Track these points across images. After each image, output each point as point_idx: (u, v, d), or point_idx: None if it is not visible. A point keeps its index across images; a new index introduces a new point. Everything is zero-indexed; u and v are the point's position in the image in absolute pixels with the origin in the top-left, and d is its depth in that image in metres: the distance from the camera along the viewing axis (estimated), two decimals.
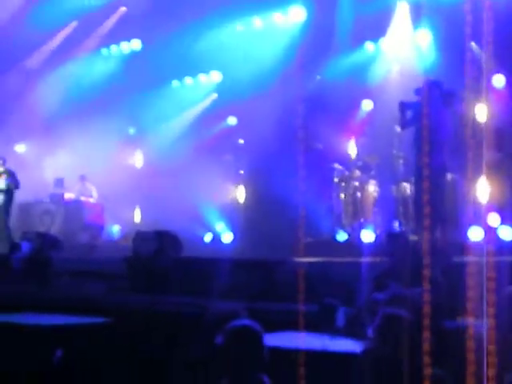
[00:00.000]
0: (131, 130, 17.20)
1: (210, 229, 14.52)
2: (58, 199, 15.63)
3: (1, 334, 6.42)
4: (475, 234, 9.37)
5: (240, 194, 14.60)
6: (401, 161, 11.49)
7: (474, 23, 5.14)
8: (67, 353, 6.03)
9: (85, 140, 15.59)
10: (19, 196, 13.86)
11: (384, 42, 13.95)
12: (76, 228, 15.22)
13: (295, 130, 11.12)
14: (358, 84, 13.48)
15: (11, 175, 13.03)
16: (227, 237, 14.19)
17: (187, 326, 6.31)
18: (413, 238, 9.65)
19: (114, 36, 17.37)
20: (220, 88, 16.28)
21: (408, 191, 11.27)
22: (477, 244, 8.49)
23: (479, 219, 9.36)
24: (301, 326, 5.42)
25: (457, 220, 10.20)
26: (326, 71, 13.90)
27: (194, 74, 16.75)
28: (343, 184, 12.23)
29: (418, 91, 10.28)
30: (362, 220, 11.95)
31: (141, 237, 10.53)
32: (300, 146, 9.73)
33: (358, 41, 13.88)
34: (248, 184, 14.34)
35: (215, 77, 16.56)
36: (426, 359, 4.28)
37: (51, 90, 16.71)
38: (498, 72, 10.73)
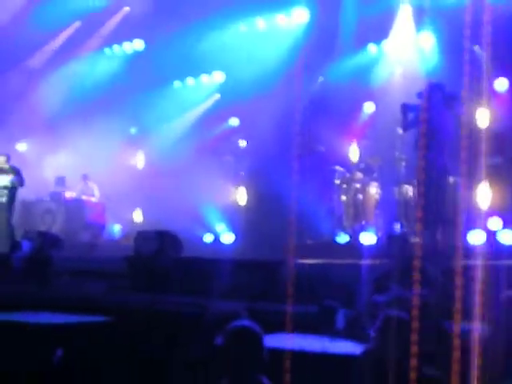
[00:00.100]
0: (133, 130, 17.21)
1: (210, 229, 14.53)
2: (58, 198, 15.64)
3: (1, 333, 6.42)
4: (476, 238, 9.38)
5: (241, 195, 14.61)
6: (403, 163, 11.48)
7: (477, 27, 5.14)
8: (67, 352, 6.04)
9: (87, 139, 15.61)
10: (21, 194, 13.86)
11: (387, 44, 13.96)
12: (77, 227, 15.23)
13: (297, 132, 11.15)
14: (361, 86, 13.48)
15: (16, 173, 12.99)
16: (228, 237, 14.20)
17: (187, 326, 6.31)
18: (414, 240, 9.65)
19: (117, 36, 17.39)
20: (222, 89, 16.29)
21: (410, 193, 11.26)
22: (477, 247, 8.50)
23: (480, 223, 9.37)
24: (300, 327, 5.42)
25: (458, 223, 10.19)
26: (329, 73, 13.92)
27: (196, 74, 16.76)
28: (344, 186, 12.23)
29: (420, 94, 10.29)
30: (363, 222, 11.95)
31: (142, 236, 10.54)
32: (302, 147, 9.74)
33: (360, 43, 13.89)
34: (249, 185, 14.35)
35: (218, 77, 16.57)
36: (424, 360, 4.29)
37: (53, 90, 16.73)
38: (501, 76, 10.73)
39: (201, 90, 16.81)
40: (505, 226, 9.90)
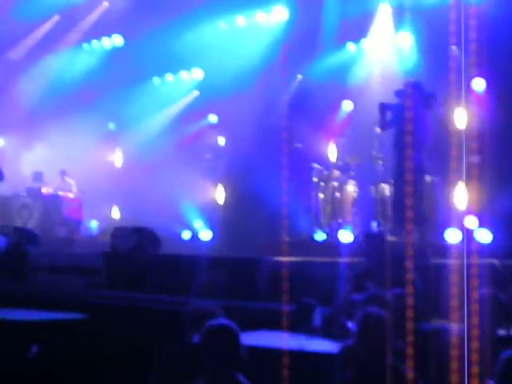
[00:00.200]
0: (111, 126, 17.13)
1: (188, 226, 14.51)
2: (35, 193, 15.54)
3: None
4: (453, 236, 9.45)
5: (219, 193, 14.60)
6: (380, 162, 11.51)
7: (455, 27, 5.18)
8: (43, 349, 6.00)
9: (65, 135, 15.52)
10: None
11: (365, 43, 13.99)
12: (54, 222, 15.16)
13: (275, 130, 11.15)
14: (339, 85, 13.51)
15: None
16: (205, 234, 14.19)
17: (164, 323, 6.31)
18: (390, 238, 9.69)
19: (96, 31, 17.29)
20: (201, 86, 16.25)
21: (387, 192, 11.31)
22: (455, 246, 8.56)
23: (457, 221, 9.43)
24: (277, 325, 5.44)
25: (435, 222, 10.26)
26: (308, 71, 13.93)
27: (175, 70, 16.71)
28: (322, 184, 12.25)
29: (398, 93, 10.34)
30: (340, 220, 11.97)
31: (119, 233, 10.52)
32: (280, 145, 9.75)
33: (340, 41, 13.91)
34: (227, 182, 14.35)
35: (197, 74, 16.53)
36: (401, 359, 4.31)
37: (32, 84, 16.63)
38: (478, 76, 10.81)
39: (180, 87, 16.76)
40: (481, 224, 9.97)
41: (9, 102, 16.44)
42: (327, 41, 13.78)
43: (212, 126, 15.91)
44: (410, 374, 4.32)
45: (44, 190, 15.57)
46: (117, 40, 17.40)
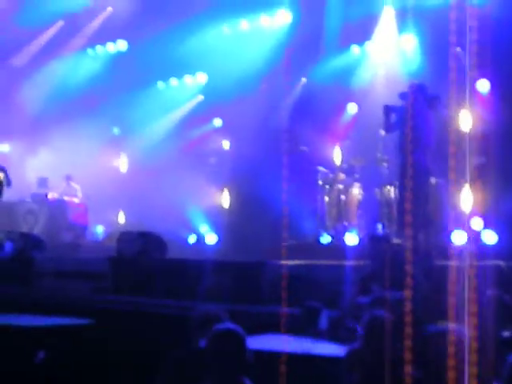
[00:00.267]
0: (116, 131, 17.16)
1: (194, 230, 14.52)
2: (40, 199, 15.57)
3: None
4: (458, 238, 9.43)
5: (224, 197, 14.60)
6: (385, 164, 11.51)
7: (459, 28, 5.17)
8: (49, 354, 6.01)
9: (69, 140, 15.55)
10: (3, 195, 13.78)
11: (369, 45, 14.00)
12: (59, 228, 15.18)
13: (280, 133, 11.16)
14: (344, 87, 13.51)
15: (4, 172, 12.89)
16: (211, 238, 14.19)
17: (170, 328, 6.31)
18: (396, 241, 9.68)
19: (100, 36, 17.33)
20: (206, 90, 16.28)
21: (392, 194, 11.30)
22: (460, 248, 8.54)
23: (462, 223, 9.42)
24: (283, 328, 5.43)
25: (440, 223, 10.25)
26: (312, 74, 13.94)
27: (179, 75, 16.74)
28: (327, 187, 12.25)
29: (402, 95, 10.33)
30: (345, 223, 11.97)
31: (125, 237, 10.52)
32: (285, 148, 9.75)
33: (343, 44, 13.92)
34: (232, 186, 14.35)
35: (201, 78, 16.56)
36: (406, 361, 4.31)
37: (36, 90, 16.66)
38: (482, 77, 10.80)
39: (184, 91, 16.79)
40: (486, 226, 9.95)
41: (13, 108, 16.48)
42: (331, 44, 13.78)
43: (216, 130, 15.93)
44: (415, 377, 4.32)
45: (49, 196, 15.60)
46: (121, 45, 17.44)
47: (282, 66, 11.16)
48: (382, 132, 11.17)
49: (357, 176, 12.15)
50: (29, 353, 6.07)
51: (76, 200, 15.68)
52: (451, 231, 9.64)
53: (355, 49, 14.20)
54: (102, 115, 15.78)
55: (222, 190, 14.63)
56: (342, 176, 12.24)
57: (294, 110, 13.53)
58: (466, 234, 9.11)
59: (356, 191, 12.06)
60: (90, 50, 17.71)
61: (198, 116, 15.98)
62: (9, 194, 14.40)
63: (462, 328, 4.22)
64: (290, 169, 8.49)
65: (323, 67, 13.82)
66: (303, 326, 6.26)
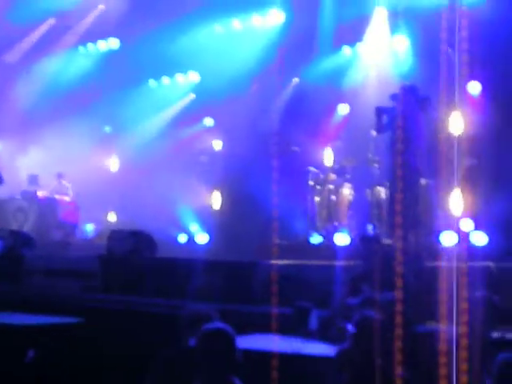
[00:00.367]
0: (107, 129, 17.12)
1: (184, 229, 14.50)
2: (30, 196, 15.53)
3: None
4: (448, 239, 9.46)
5: (215, 197, 14.59)
6: (376, 165, 11.54)
7: (451, 30, 5.19)
8: (39, 353, 6.00)
9: (60, 138, 15.51)
10: None
11: (361, 46, 14.02)
12: (50, 225, 15.14)
13: (271, 133, 11.17)
14: (335, 88, 13.53)
15: None
16: (202, 238, 14.19)
17: (160, 327, 6.31)
18: (386, 241, 9.71)
19: (92, 34, 17.29)
20: (198, 89, 16.27)
21: (382, 195, 11.33)
22: (450, 249, 8.57)
23: (452, 224, 9.45)
24: (273, 328, 5.44)
25: (430, 224, 10.28)
26: (304, 74, 13.95)
27: (171, 74, 16.73)
28: (318, 187, 12.27)
29: (393, 96, 10.36)
30: (336, 223, 12.00)
31: (115, 236, 10.50)
32: (276, 148, 9.76)
33: (335, 45, 13.94)
34: (223, 186, 14.34)
35: (193, 77, 16.55)
36: (396, 362, 4.32)
37: (27, 87, 16.61)
38: (474, 79, 10.84)
39: (176, 90, 16.77)
40: (476, 227, 9.99)
41: (4, 106, 16.43)
42: (323, 44, 13.80)
43: (208, 130, 15.92)
44: (405, 377, 4.33)
45: (40, 193, 15.56)
46: (113, 43, 17.40)
47: (273, 65, 11.17)
48: (373, 133, 11.20)
49: (348, 176, 12.17)
50: (18, 351, 6.06)
51: (66, 198, 15.64)
52: (441, 232, 9.68)
53: (347, 50, 14.22)
54: (93, 113, 15.76)
55: (213, 190, 14.61)
56: (332, 176, 12.26)
57: (285, 110, 13.54)
58: (455, 235, 9.14)
59: (347, 192, 12.08)
60: (81, 48, 17.67)
61: (190, 115, 15.97)
62: None
63: (451, 328, 4.24)
64: (280, 169, 8.49)
65: (315, 68, 13.84)
66: (293, 326, 6.27)
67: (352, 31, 13.63)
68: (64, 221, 15.42)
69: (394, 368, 4.38)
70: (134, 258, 9.76)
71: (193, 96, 16.46)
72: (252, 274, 8.71)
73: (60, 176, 15.71)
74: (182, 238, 14.38)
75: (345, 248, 10.52)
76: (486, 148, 10.07)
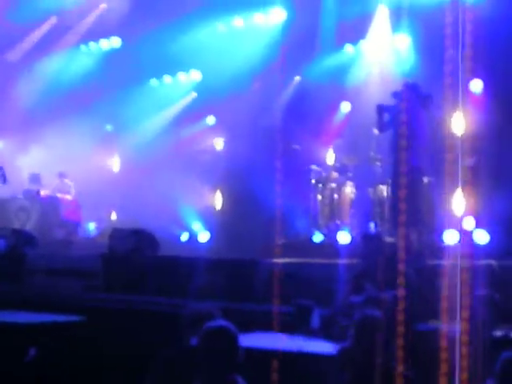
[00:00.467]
0: (109, 128, 17.12)
1: (186, 228, 14.49)
2: (32, 195, 15.53)
3: None
4: (450, 237, 9.44)
5: (217, 196, 14.58)
6: (378, 163, 11.54)
7: (453, 28, 5.18)
8: (41, 351, 6.00)
9: (62, 137, 15.51)
10: None
11: (363, 44, 14.01)
12: (52, 224, 15.14)
13: (274, 131, 11.15)
14: (338, 86, 13.52)
15: (0, 169, 12.88)
16: (204, 236, 14.18)
17: (162, 326, 6.30)
18: (388, 239, 9.70)
19: (94, 33, 17.28)
20: (199, 87, 16.26)
21: (384, 193, 11.33)
22: (452, 247, 8.56)
23: (454, 222, 9.43)
24: (275, 326, 5.43)
25: (432, 223, 10.27)
26: (306, 72, 13.94)
27: (173, 72, 16.71)
28: (320, 185, 12.26)
29: (395, 94, 10.35)
30: (338, 221, 11.99)
31: (117, 234, 10.49)
32: (278, 146, 9.75)
33: (338, 43, 13.92)
34: (225, 184, 14.33)
35: (195, 76, 16.53)
36: (398, 360, 4.32)
37: (29, 86, 16.61)
38: (476, 77, 10.82)
39: (178, 89, 16.76)
40: (478, 226, 9.98)
41: (6, 104, 16.43)
42: (325, 42, 13.79)
43: (210, 128, 15.91)
44: (406, 375, 4.33)
45: (42, 192, 15.57)
46: (114, 42, 17.39)
47: (275, 64, 11.15)
48: (375, 131, 11.19)
49: (350, 175, 12.17)
50: (19, 350, 6.05)
51: (68, 197, 15.64)
52: (443, 230, 9.67)
53: (349, 48, 14.20)
54: (95, 112, 15.75)
55: (215, 189, 14.60)
56: (334, 175, 12.26)
57: (287, 108, 13.53)
58: (457, 233, 9.13)
59: (349, 190, 12.08)
60: (83, 47, 17.65)
61: (192, 114, 15.96)
62: (1, 191, 14.38)
63: (452, 327, 4.24)
64: (282, 167, 8.49)
65: (317, 66, 13.83)
66: (295, 324, 6.26)
67: (354, 29, 13.62)
68: (66, 219, 15.43)
69: (396, 366, 4.37)
70: (136, 256, 9.76)
71: (195, 95, 16.45)
72: (254, 273, 8.71)
73: (62, 175, 15.72)
74: (184, 237, 14.37)
75: (347, 246, 10.52)
76: (487, 146, 10.05)
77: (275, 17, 15.21)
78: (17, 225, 14.49)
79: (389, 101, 10.48)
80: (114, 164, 16.84)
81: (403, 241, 8.72)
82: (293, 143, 12.74)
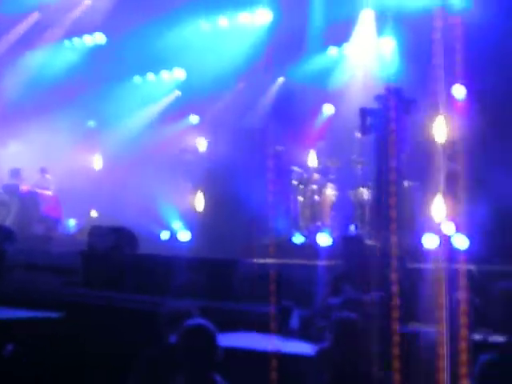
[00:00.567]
0: (91, 124, 17.04)
1: (167, 227, 14.46)
2: (12, 190, 15.42)
3: None
4: (430, 241, 9.50)
5: (198, 195, 14.55)
6: (359, 166, 11.58)
7: (438, 34, 5.21)
8: (18, 348, 5.96)
9: (44, 132, 15.43)
10: None
11: (348, 47, 14.04)
12: (31, 219, 15.04)
13: (256, 131, 11.17)
14: (321, 88, 13.54)
15: None
16: (184, 235, 14.16)
17: (141, 323, 6.29)
18: (368, 242, 9.74)
19: (78, 29, 17.20)
20: (183, 86, 16.23)
21: (365, 196, 11.37)
22: (432, 251, 8.61)
23: (434, 227, 9.49)
24: (255, 326, 5.44)
25: (412, 226, 10.32)
26: (290, 74, 13.96)
27: (157, 70, 16.67)
28: (301, 187, 12.28)
29: (378, 98, 10.39)
30: (318, 223, 12.02)
31: (97, 231, 10.45)
32: (260, 147, 9.77)
33: (322, 45, 13.95)
34: (207, 184, 14.31)
35: (178, 74, 16.50)
36: (376, 362, 4.33)
37: (11, 80, 16.51)
38: (459, 82, 10.88)
39: (161, 86, 16.72)
40: (458, 230, 10.04)
41: None
42: (310, 44, 13.81)
43: (193, 127, 15.88)
44: (385, 377, 4.35)
45: (22, 187, 15.46)
46: (98, 38, 17.32)
47: (260, 64, 11.17)
48: (358, 134, 11.23)
49: (331, 177, 12.20)
50: None
51: (49, 192, 15.55)
52: (423, 234, 9.72)
53: (333, 50, 14.23)
54: (77, 108, 15.68)
55: (197, 189, 14.57)
56: (316, 176, 12.29)
57: (270, 109, 13.54)
58: (437, 237, 9.18)
59: (330, 192, 12.11)
60: (67, 42, 17.57)
61: (175, 112, 15.93)
62: None
63: (432, 329, 4.26)
64: (264, 168, 8.50)
65: (301, 68, 13.85)
66: (274, 325, 6.26)
67: (339, 32, 13.64)
68: (46, 215, 15.33)
69: (375, 368, 4.39)
70: (115, 254, 9.72)
71: (178, 93, 16.42)
72: (233, 272, 8.71)
73: (43, 171, 15.62)
74: (165, 235, 14.34)
75: (327, 248, 10.54)
76: (468, 151, 10.11)
77: (260, 17, 15.22)
78: None
79: (372, 104, 10.51)
80: (96, 161, 16.76)
81: (383, 243, 8.76)
82: (275, 144, 12.74)
